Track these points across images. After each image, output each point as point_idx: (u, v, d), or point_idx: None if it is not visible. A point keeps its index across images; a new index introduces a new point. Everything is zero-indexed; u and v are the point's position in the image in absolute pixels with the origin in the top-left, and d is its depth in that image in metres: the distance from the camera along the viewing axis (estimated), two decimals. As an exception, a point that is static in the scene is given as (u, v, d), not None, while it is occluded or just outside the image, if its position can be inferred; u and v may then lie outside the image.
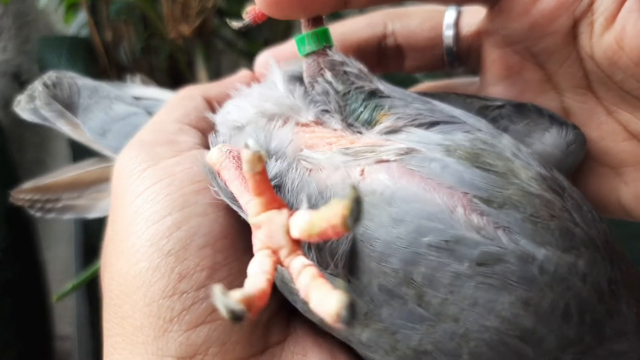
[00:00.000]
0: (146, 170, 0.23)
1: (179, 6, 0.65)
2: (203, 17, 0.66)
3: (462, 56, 0.30)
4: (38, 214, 0.34)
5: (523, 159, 0.20)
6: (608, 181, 0.26)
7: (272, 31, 0.75)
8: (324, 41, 0.24)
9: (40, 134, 0.80)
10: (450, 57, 0.30)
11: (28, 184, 0.34)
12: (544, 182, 0.20)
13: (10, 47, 0.79)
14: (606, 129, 0.25)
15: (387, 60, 0.31)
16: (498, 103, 0.25)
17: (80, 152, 0.37)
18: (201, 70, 0.70)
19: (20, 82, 0.78)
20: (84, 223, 0.67)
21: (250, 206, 0.18)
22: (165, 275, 0.20)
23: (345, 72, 0.23)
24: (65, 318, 0.75)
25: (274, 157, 0.22)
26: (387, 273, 0.18)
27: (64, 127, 0.31)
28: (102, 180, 0.34)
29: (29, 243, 0.69)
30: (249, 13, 0.26)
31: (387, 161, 0.21)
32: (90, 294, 0.66)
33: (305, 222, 0.16)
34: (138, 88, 0.36)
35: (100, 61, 0.74)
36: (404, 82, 0.32)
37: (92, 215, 0.34)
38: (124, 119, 0.31)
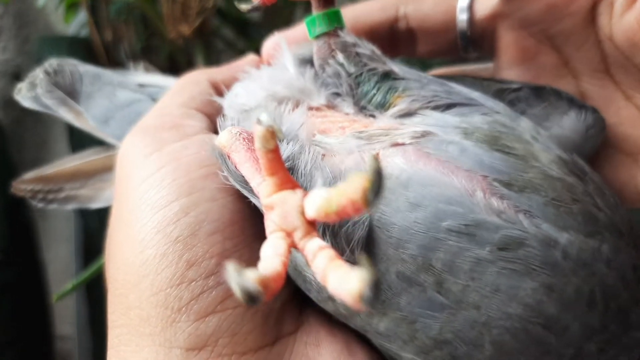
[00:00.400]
0: (151, 155, 0.22)
1: (179, 6, 0.65)
2: (203, 17, 0.66)
3: (476, 40, 0.29)
4: (40, 205, 0.33)
5: (542, 142, 0.20)
6: (626, 168, 0.25)
7: (272, 30, 0.75)
8: (335, 22, 0.23)
9: (40, 134, 0.80)
10: (464, 41, 0.29)
11: (30, 174, 0.33)
12: (565, 166, 0.19)
13: (10, 47, 0.79)
14: (625, 114, 0.24)
15: (399, 44, 0.30)
16: (515, 86, 0.24)
17: (80, 151, 0.36)
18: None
19: (20, 82, 0.78)
20: (84, 223, 0.67)
21: (263, 187, 0.18)
22: (173, 263, 0.19)
23: (357, 54, 0.23)
24: (65, 318, 0.75)
25: (285, 140, 0.21)
26: (405, 260, 0.18)
27: (66, 114, 0.30)
28: (105, 170, 0.33)
29: (29, 243, 0.69)
30: None
31: (403, 144, 0.20)
32: (90, 294, 0.66)
33: (322, 198, 0.15)
34: (142, 75, 0.35)
35: (100, 61, 0.73)
36: (418, 67, 0.32)
37: (96, 205, 0.33)
38: (128, 106, 0.30)
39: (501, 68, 0.27)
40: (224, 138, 0.20)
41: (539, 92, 0.24)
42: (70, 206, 0.33)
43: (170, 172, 0.21)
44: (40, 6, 0.71)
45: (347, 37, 0.23)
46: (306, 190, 0.19)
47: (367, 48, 0.23)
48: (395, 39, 0.30)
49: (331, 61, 0.23)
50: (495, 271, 0.17)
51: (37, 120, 0.79)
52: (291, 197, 0.17)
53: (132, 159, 0.22)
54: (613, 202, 0.19)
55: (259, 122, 0.16)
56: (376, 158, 0.14)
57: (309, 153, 0.21)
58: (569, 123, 0.23)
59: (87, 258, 0.64)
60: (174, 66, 0.77)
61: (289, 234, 0.16)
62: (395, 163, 0.19)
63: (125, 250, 0.21)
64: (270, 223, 0.17)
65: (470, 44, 0.29)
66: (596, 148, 0.24)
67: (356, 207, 0.14)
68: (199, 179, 0.21)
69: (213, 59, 0.75)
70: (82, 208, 0.34)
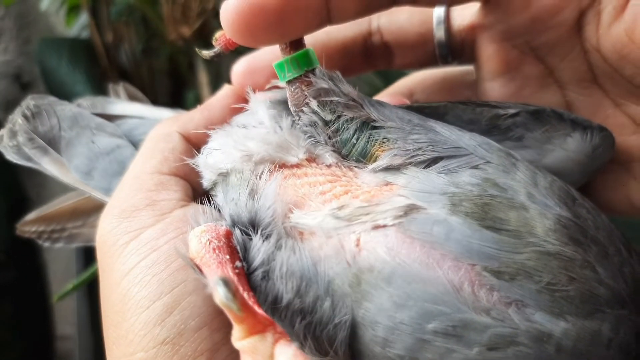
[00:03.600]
0: (129, 244, 0.21)
1: (179, 8, 0.65)
2: (203, 18, 0.66)
3: (455, 51, 0.28)
4: (46, 244, 0.33)
5: (540, 200, 0.18)
6: (616, 177, 0.24)
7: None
8: (305, 65, 0.21)
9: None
10: (443, 52, 0.27)
11: (31, 215, 0.33)
12: (564, 232, 0.18)
13: (11, 49, 0.79)
14: (613, 122, 0.23)
15: (375, 58, 0.29)
16: (512, 111, 0.23)
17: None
18: (201, 72, 0.71)
19: (21, 83, 0.78)
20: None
21: (234, 327, 0.17)
22: None
23: (332, 102, 0.21)
24: (65, 318, 0.75)
25: (259, 234, 0.20)
26: (392, 358, 0.17)
27: (49, 166, 0.29)
28: (102, 208, 0.33)
29: (30, 244, 0.69)
30: (219, 40, 0.23)
31: (385, 226, 0.19)
32: (91, 294, 0.66)
33: None
34: (120, 104, 0.35)
35: (101, 62, 0.74)
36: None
37: None
38: (108, 154, 0.29)
39: (483, 79, 0.26)
40: (194, 246, 0.19)
41: (538, 115, 0.22)
42: (76, 244, 0.34)
43: (150, 267, 0.20)
44: (43, 9, 0.71)
45: (320, 81, 0.21)
46: (282, 297, 0.18)
47: (342, 94, 0.21)
48: (370, 53, 0.28)
49: (305, 109, 0.21)
50: None
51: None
52: (261, 346, 0.16)
53: (110, 247, 0.22)
54: (618, 261, 0.18)
55: (216, 292, 0.16)
56: None
57: (285, 249, 0.20)
58: (574, 145, 0.22)
59: (88, 259, 0.65)
60: (175, 67, 0.77)
61: None
62: (377, 253, 0.18)
63: (117, 351, 0.20)
64: None
65: (449, 54, 0.28)
66: (605, 163, 0.23)
67: None
68: (179, 270, 0.20)
69: (213, 61, 0.75)
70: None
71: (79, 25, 0.76)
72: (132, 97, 0.38)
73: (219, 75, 0.73)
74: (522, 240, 0.17)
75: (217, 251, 0.19)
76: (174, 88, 0.79)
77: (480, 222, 0.18)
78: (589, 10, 0.22)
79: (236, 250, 0.19)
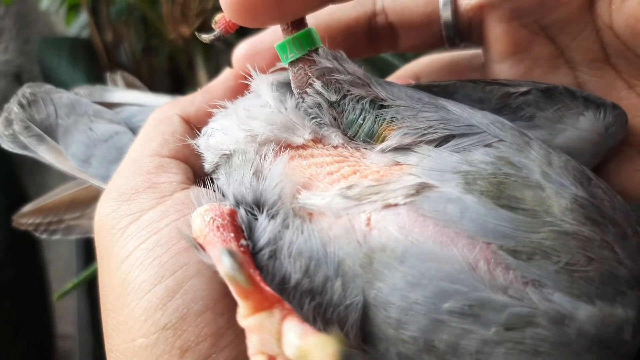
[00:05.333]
0: (129, 227, 0.20)
1: (179, 7, 0.65)
2: (203, 18, 0.66)
3: (462, 32, 0.26)
4: (44, 236, 0.33)
5: (555, 179, 0.18)
6: (630, 161, 0.23)
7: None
8: (307, 45, 0.20)
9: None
10: (450, 33, 0.26)
11: (28, 207, 0.32)
12: (581, 212, 0.17)
13: (12, 48, 0.79)
14: (627, 104, 0.22)
15: (380, 41, 0.28)
16: (523, 89, 0.22)
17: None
18: (201, 71, 0.71)
19: (21, 82, 0.79)
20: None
21: (239, 304, 0.16)
22: (166, 352, 0.18)
23: (337, 80, 0.20)
24: (66, 317, 0.75)
25: (265, 213, 0.19)
26: (405, 340, 0.17)
27: (45, 154, 0.29)
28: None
29: (30, 242, 0.69)
30: (219, 23, 0.23)
31: (396, 205, 0.18)
32: (91, 293, 0.66)
33: (296, 348, 0.14)
34: (119, 92, 0.34)
35: (101, 62, 0.74)
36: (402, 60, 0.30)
37: None
38: (106, 141, 0.29)
39: (492, 61, 0.25)
40: (197, 226, 0.18)
41: (550, 93, 0.22)
42: (73, 236, 0.33)
43: (151, 249, 0.20)
44: (43, 8, 0.71)
45: (324, 61, 0.21)
46: (290, 277, 0.18)
47: (348, 72, 0.21)
48: (375, 35, 0.27)
49: (309, 90, 0.21)
50: (502, 352, 0.16)
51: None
52: (268, 323, 0.15)
53: (109, 231, 0.21)
54: (635, 243, 0.18)
55: (221, 263, 0.15)
56: (339, 337, 0.13)
57: (293, 228, 0.19)
58: (586, 124, 0.21)
59: (88, 257, 0.65)
60: (174, 67, 0.77)
61: (271, 358, 0.15)
62: (389, 232, 0.17)
63: (117, 337, 0.20)
64: (251, 345, 0.16)
65: (456, 36, 0.27)
66: (618, 142, 0.22)
67: None
68: (181, 252, 0.19)
69: (213, 60, 0.75)
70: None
71: (79, 25, 0.76)
72: (130, 86, 0.37)
73: (219, 74, 0.73)
74: (538, 219, 0.17)
75: (221, 229, 0.18)
76: (174, 87, 0.79)
77: (496, 201, 0.17)
78: None
79: (241, 229, 0.19)
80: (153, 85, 0.78)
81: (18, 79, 0.79)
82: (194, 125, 0.25)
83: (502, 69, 0.25)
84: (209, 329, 0.18)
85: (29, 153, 0.29)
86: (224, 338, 0.18)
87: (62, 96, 0.30)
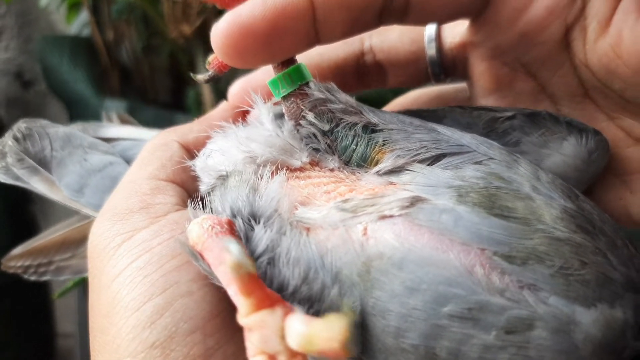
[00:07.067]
0: (121, 246, 0.20)
1: (180, 6, 0.65)
2: (204, 17, 0.66)
3: (448, 68, 0.28)
4: (32, 278, 0.32)
5: (544, 192, 0.18)
6: (614, 190, 0.24)
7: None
8: (298, 80, 0.21)
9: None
10: (435, 70, 0.28)
11: (17, 250, 0.32)
12: (572, 221, 0.17)
13: (13, 46, 0.79)
14: (609, 135, 0.23)
15: (369, 78, 0.29)
16: (508, 114, 0.23)
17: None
18: (202, 70, 0.71)
19: (22, 81, 0.79)
20: (86, 221, 0.67)
21: (240, 304, 0.16)
22: None
23: (329, 110, 0.21)
24: (66, 316, 0.76)
25: (262, 224, 0.19)
26: (406, 349, 0.16)
27: (38, 185, 0.29)
28: None
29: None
30: (212, 63, 0.24)
31: (391, 217, 0.18)
32: (92, 292, 0.66)
33: (302, 336, 0.14)
34: (113, 128, 0.34)
35: (102, 60, 0.74)
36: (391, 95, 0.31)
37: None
38: (100, 171, 0.29)
39: (477, 96, 0.26)
40: (195, 233, 0.18)
41: (535, 118, 0.22)
42: (64, 277, 0.33)
43: (142, 267, 0.19)
44: (43, 6, 0.71)
45: (316, 93, 0.21)
46: (288, 284, 0.18)
47: (339, 101, 0.21)
48: (364, 73, 0.28)
49: (303, 122, 0.21)
50: (506, 358, 0.16)
51: (39, 119, 0.79)
52: (270, 319, 0.15)
53: (102, 250, 0.21)
54: (627, 254, 0.18)
55: (227, 250, 0.16)
56: (352, 309, 0.13)
57: (291, 236, 0.19)
58: (570, 149, 0.22)
59: (89, 256, 0.65)
60: (175, 65, 0.77)
61: (271, 358, 0.15)
62: (385, 240, 0.18)
63: (102, 358, 0.19)
64: (251, 345, 0.16)
65: (442, 72, 0.28)
66: (601, 170, 0.23)
67: (335, 354, 0.14)
68: (172, 271, 0.19)
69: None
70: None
71: (80, 24, 0.76)
72: (124, 122, 0.38)
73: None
74: (531, 227, 0.17)
75: (219, 236, 0.18)
76: (175, 86, 0.79)
77: (488, 211, 0.17)
78: (575, 26, 0.21)
79: (239, 237, 0.19)
80: (154, 83, 0.78)
81: (19, 78, 0.79)
82: (191, 153, 0.25)
83: (487, 103, 0.26)
84: (198, 349, 0.18)
85: (21, 184, 0.30)
86: (212, 359, 0.18)
87: (58, 130, 0.31)
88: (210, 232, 0.18)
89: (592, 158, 0.22)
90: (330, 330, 0.14)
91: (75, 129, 0.32)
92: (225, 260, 0.16)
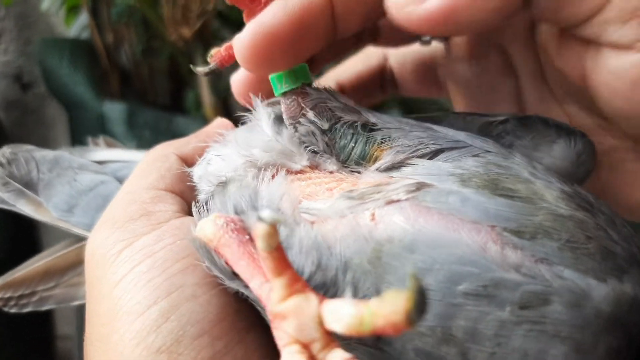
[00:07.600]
0: (122, 253, 0.20)
1: (180, 9, 0.65)
2: (203, 19, 0.66)
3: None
4: (13, 311, 0.31)
5: (542, 177, 0.19)
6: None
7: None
8: (302, 78, 0.22)
9: (41, 135, 0.80)
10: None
11: None
12: (572, 200, 0.18)
13: (12, 49, 0.79)
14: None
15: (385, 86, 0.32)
16: (501, 118, 0.23)
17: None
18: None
19: (21, 83, 0.79)
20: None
21: (269, 291, 0.16)
22: None
23: (329, 108, 0.21)
24: (65, 318, 0.76)
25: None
26: (422, 333, 0.16)
27: (25, 207, 0.29)
28: (80, 262, 0.30)
29: (30, 242, 0.69)
30: (215, 57, 0.24)
31: (399, 201, 0.18)
32: (91, 294, 0.66)
33: (352, 316, 0.14)
34: (102, 151, 0.34)
35: (102, 63, 0.74)
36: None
37: (75, 303, 0.31)
38: (91, 190, 0.29)
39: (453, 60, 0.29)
40: (210, 230, 0.18)
41: (526, 122, 0.23)
42: (47, 306, 0.32)
43: (145, 272, 0.19)
44: (43, 9, 0.72)
45: (317, 92, 0.22)
46: (300, 272, 0.18)
47: (339, 101, 0.22)
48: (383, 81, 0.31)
49: (302, 120, 0.21)
50: (521, 334, 0.16)
51: (39, 121, 0.79)
52: (307, 306, 0.15)
53: (101, 258, 0.20)
54: (626, 233, 0.18)
55: (260, 219, 0.15)
56: (416, 277, 0.13)
57: (300, 229, 0.19)
58: (559, 151, 0.22)
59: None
60: (175, 68, 0.77)
61: (305, 346, 0.15)
62: (394, 223, 0.18)
63: None
64: (283, 334, 0.15)
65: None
66: (589, 172, 0.23)
67: (397, 328, 0.13)
68: (176, 275, 0.19)
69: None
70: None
71: (80, 26, 0.76)
72: (111, 147, 0.37)
73: (219, 76, 0.73)
74: (535, 205, 0.18)
75: (236, 232, 0.18)
76: (174, 88, 0.79)
77: (493, 192, 0.18)
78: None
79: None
80: (153, 86, 0.78)
81: (19, 80, 0.79)
82: (189, 165, 0.25)
83: (462, 68, 0.28)
84: (206, 353, 0.18)
85: (7, 207, 0.29)
86: None
87: (47, 154, 0.31)
88: (225, 228, 0.18)
89: (580, 160, 0.22)
90: (387, 304, 0.13)
91: (64, 152, 0.32)
92: (257, 232, 0.15)
